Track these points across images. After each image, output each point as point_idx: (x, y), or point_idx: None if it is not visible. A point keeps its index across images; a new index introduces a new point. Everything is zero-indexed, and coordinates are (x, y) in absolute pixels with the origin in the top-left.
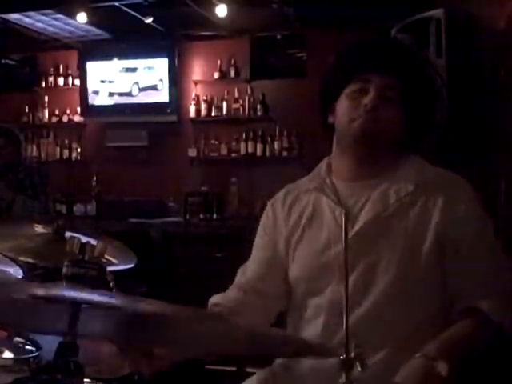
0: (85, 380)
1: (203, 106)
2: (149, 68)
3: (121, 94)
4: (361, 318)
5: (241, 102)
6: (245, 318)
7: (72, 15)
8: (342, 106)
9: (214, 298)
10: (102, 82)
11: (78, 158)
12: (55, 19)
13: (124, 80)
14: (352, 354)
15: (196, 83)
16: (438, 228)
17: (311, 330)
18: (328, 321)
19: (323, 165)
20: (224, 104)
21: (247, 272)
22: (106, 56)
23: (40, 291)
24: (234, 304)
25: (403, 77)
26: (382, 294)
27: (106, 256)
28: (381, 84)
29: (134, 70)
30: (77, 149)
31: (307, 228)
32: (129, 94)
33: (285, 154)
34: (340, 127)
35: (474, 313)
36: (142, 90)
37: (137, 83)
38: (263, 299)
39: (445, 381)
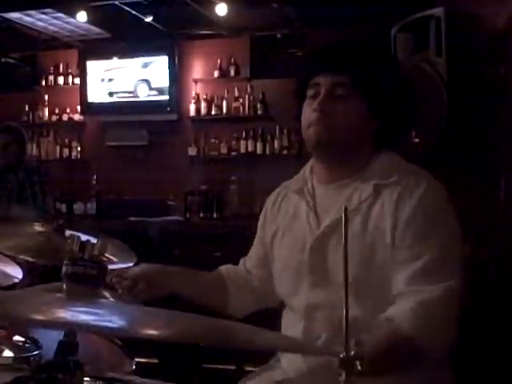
0: (85, 379)
1: (203, 105)
2: (149, 67)
3: (121, 93)
4: (326, 318)
5: (241, 100)
6: (238, 295)
7: (72, 14)
8: (303, 112)
9: (222, 267)
10: (102, 80)
11: (78, 156)
12: (55, 18)
13: (124, 79)
14: (352, 353)
15: (196, 82)
16: (392, 230)
17: (293, 333)
18: (307, 325)
19: (308, 166)
20: (224, 103)
21: (250, 258)
22: (105, 55)
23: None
24: (237, 277)
25: (352, 72)
26: (338, 299)
27: (106, 255)
28: (328, 84)
29: (133, 68)
30: (77, 147)
31: (287, 229)
32: (129, 93)
33: (285, 152)
34: (303, 133)
35: (388, 321)
36: (141, 88)
37: (137, 82)
38: (264, 283)
39: (409, 342)
